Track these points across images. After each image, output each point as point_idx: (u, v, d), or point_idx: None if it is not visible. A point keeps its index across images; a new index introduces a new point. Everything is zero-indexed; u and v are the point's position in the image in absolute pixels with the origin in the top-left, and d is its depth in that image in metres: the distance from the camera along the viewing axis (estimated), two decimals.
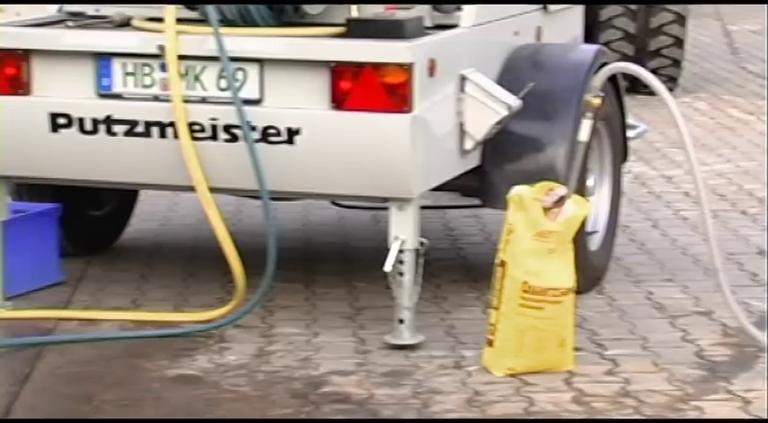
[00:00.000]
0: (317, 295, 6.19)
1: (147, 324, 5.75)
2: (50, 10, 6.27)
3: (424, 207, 5.84)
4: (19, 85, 5.74)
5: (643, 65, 9.52)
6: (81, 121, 5.68)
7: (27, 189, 6.29)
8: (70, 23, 6.01)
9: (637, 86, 10.15)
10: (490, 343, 5.20)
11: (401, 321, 5.44)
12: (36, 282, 6.19)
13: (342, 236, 7.36)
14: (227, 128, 5.55)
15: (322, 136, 5.48)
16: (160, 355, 5.38)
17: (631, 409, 4.78)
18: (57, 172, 5.86)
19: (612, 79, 6.18)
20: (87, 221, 6.77)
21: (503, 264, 5.16)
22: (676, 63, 12.28)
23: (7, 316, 5.86)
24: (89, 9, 6.14)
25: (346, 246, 7.16)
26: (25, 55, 5.74)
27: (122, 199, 6.92)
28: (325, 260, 6.85)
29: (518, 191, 5.15)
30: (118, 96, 5.70)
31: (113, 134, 5.68)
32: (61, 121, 5.69)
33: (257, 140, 5.49)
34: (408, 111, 5.37)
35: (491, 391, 4.98)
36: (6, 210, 5.98)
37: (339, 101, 5.45)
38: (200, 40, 5.57)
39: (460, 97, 5.68)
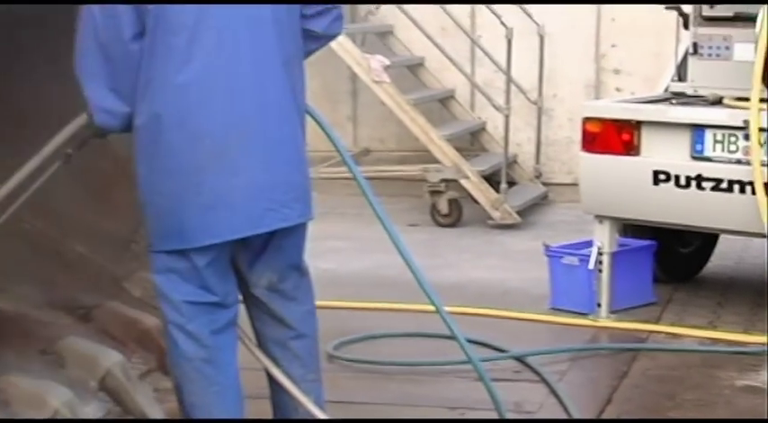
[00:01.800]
0: None
1: (720, 341, 5.50)
2: (658, 90, 6.23)
3: None
4: (631, 148, 5.71)
5: None
6: (677, 177, 5.59)
7: (631, 228, 6.21)
8: (674, 101, 5.91)
9: None
10: None
11: None
12: (634, 301, 6.07)
13: None
14: None
15: None
16: (730, 367, 5.11)
17: None
18: (655, 216, 5.76)
19: None
20: (676, 256, 6.59)
21: None
22: None
23: (612, 325, 5.81)
24: (688, 89, 6.01)
25: None
26: (638, 125, 5.70)
27: (705, 239, 6.68)
28: None
29: None
30: (707, 159, 5.56)
31: (702, 189, 5.54)
32: (662, 176, 5.63)
33: None
34: None
35: None
36: (615, 244, 5.91)
37: None
38: None
39: None
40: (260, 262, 3.71)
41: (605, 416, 4.61)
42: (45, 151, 3.98)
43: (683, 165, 5.59)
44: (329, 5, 3.67)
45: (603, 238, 5.85)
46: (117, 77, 3.50)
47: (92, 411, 4.29)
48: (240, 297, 3.79)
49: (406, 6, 8.95)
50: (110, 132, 3.70)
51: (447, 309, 5.58)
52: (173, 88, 3.47)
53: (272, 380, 3.82)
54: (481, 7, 9.08)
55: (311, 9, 3.64)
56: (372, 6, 9.39)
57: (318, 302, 3.92)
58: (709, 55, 5.94)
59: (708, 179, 5.52)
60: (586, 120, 5.86)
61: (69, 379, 4.32)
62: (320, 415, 3.76)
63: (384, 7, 9.34)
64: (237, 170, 3.51)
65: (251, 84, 3.52)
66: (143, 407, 4.43)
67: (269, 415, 3.90)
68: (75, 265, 4.99)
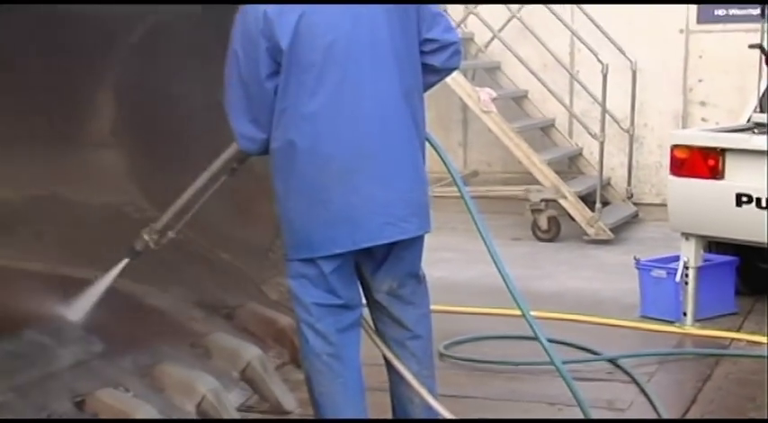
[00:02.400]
0: None
1: None
2: (741, 121, 6.09)
3: None
4: (716, 173, 5.57)
5: None
6: (758, 199, 5.41)
7: (715, 245, 6.07)
8: (756, 131, 5.76)
9: None
10: None
11: None
12: (717, 310, 5.92)
13: None
14: None
15: None
16: None
17: None
18: (738, 234, 5.61)
19: None
20: (757, 271, 6.37)
21: None
22: None
23: (696, 332, 5.68)
24: (764, 119, 5.86)
25: None
26: (722, 152, 5.56)
27: None
28: None
29: None
30: None
31: None
32: (744, 199, 5.46)
33: None
34: None
35: None
36: (700, 259, 5.78)
37: None
38: None
39: None
40: (382, 270, 3.72)
41: (690, 415, 4.51)
42: (213, 167, 4.08)
43: (763, 188, 5.44)
44: (447, 42, 3.66)
45: (690, 254, 5.73)
46: (255, 109, 3.55)
47: (234, 398, 4.35)
48: (364, 301, 3.80)
49: (511, 44, 8.94)
50: (252, 155, 3.76)
51: (546, 315, 5.58)
52: (303, 118, 3.50)
53: (390, 373, 3.82)
54: (580, 46, 9.01)
55: (430, 45, 3.64)
56: (482, 45, 9.37)
57: (431, 307, 3.90)
58: None
59: None
60: (675, 147, 5.74)
61: (215, 369, 4.39)
62: (433, 402, 3.74)
63: (492, 45, 9.32)
64: (359, 189, 3.53)
65: (373, 113, 3.54)
66: (278, 396, 4.47)
67: (388, 406, 3.90)
68: (220, 270, 5.08)
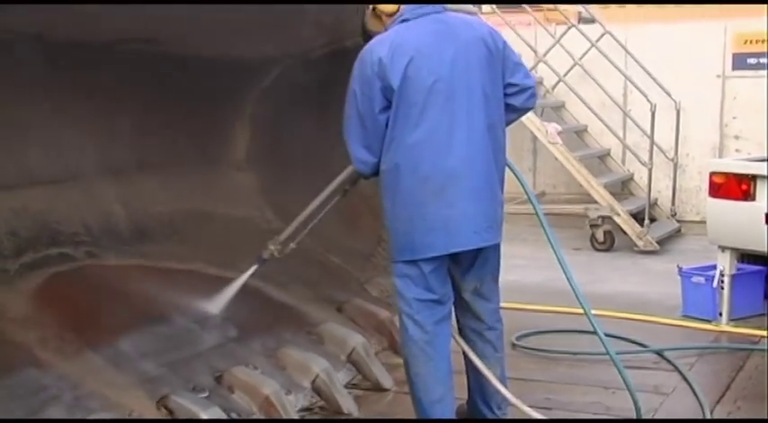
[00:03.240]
0: None
1: None
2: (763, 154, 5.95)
3: None
4: (747, 195, 5.44)
5: None
6: None
7: (747, 256, 5.92)
8: None
9: None
10: None
11: None
12: (748, 312, 5.76)
13: None
14: None
15: None
16: None
17: None
18: (766, 247, 5.45)
19: None
20: None
21: None
22: None
23: (730, 330, 5.55)
24: None
25: None
26: (753, 178, 5.43)
27: None
28: None
29: None
30: None
31: None
32: None
33: None
34: None
35: None
36: (734, 268, 5.65)
37: None
38: None
39: None
40: (469, 273, 3.72)
41: (724, 400, 4.40)
42: (329, 188, 4.12)
43: None
44: (526, 86, 3.67)
45: (725, 263, 5.61)
46: (369, 138, 3.58)
47: (342, 377, 4.38)
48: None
49: (574, 87, 8.87)
50: (365, 176, 3.79)
51: (602, 313, 5.50)
52: (408, 146, 3.52)
53: (467, 361, 3.82)
54: (632, 88, 8.90)
55: (512, 89, 3.66)
56: (550, 87, 9.31)
57: (506, 304, 3.88)
58: None
59: None
60: (713, 173, 5.63)
61: (326, 353, 4.42)
62: (500, 387, 3.72)
63: (558, 88, 9.25)
64: (452, 204, 3.54)
65: (463, 142, 3.55)
66: (377, 376, 4.49)
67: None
68: (332, 271, 5.12)
